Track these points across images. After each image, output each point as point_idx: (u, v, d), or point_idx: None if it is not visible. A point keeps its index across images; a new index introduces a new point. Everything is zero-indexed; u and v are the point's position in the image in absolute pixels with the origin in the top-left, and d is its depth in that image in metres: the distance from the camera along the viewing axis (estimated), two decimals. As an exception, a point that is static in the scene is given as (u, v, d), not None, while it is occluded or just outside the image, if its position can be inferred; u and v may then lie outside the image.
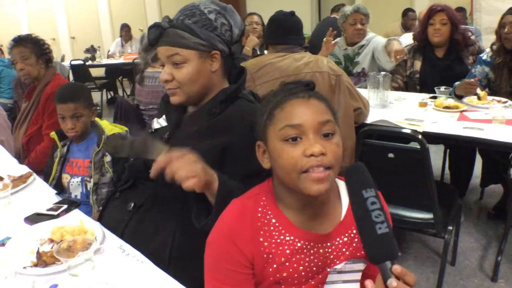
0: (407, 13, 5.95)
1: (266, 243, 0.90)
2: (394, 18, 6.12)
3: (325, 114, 0.86)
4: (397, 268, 0.69)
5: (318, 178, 0.82)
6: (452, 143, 2.61)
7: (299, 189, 0.84)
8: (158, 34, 1.21)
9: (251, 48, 3.55)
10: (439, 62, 2.89)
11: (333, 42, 3.02)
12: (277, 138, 0.86)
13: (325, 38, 3.00)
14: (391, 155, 1.83)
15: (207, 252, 0.94)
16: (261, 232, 0.91)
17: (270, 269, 0.91)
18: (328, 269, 0.92)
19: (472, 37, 2.98)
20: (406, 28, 5.83)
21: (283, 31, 2.19)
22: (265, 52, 2.57)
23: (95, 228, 1.27)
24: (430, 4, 6.71)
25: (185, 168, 0.97)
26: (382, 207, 0.73)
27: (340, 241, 0.92)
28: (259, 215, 0.92)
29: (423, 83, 2.96)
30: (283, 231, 0.91)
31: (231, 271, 0.91)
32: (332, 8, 5.38)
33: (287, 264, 0.90)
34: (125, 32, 7.20)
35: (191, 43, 1.20)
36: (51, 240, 1.24)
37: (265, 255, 0.90)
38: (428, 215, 1.89)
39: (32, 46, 2.46)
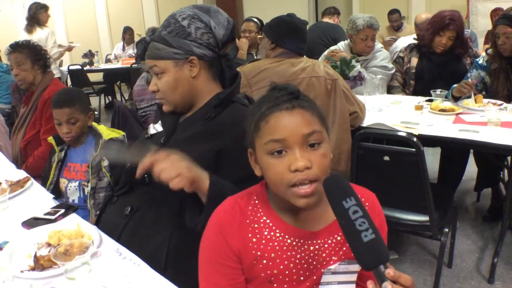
0: (393, 14, 5.99)
1: (254, 239, 0.92)
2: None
3: (310, 125, 0.84)
4: (389, 272, 0.70)
5: (305, 194, 0.83)
6: (447, 145, 2.63)
7: (288, 200, 0.86)
8: (143, 49, 1.29)
9: (245, 51, 3.55)
10: (436, 58, 2.91)
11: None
12: (263, 152, 0.86)
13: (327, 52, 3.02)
14: (386, 158, 1.84)
15: (200, 245, 0.96)
16: (250, 229, 0.92)
17: (260, 265, 0.92)
18: (322, 270, 0.93)
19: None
20: (394, 29, 5.92)
21: (292, 35, 2.19)
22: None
23: (92, 231, 1.28)
24: (426, 7, 6.79)
25: (169, 168, 1.01)
26: (364, 213, 0.73)
27: (334, 240, 0.93)
28: (249, 212, 0.94)
29: (419, 78, 2.98)
30: (273, 228, 0.92)
31: (220, 264, 0.93)
32: (323, 11, 5.10)
33: (277, 260, 0.91)
34: (129, 35, 7.18)
35: (165, 54, 1.25)
36: (49, 244, 1.25)
37: (253, 251, 0.92)
38: (424, 217, 1.90)
39: (27, 52, 2.47)
